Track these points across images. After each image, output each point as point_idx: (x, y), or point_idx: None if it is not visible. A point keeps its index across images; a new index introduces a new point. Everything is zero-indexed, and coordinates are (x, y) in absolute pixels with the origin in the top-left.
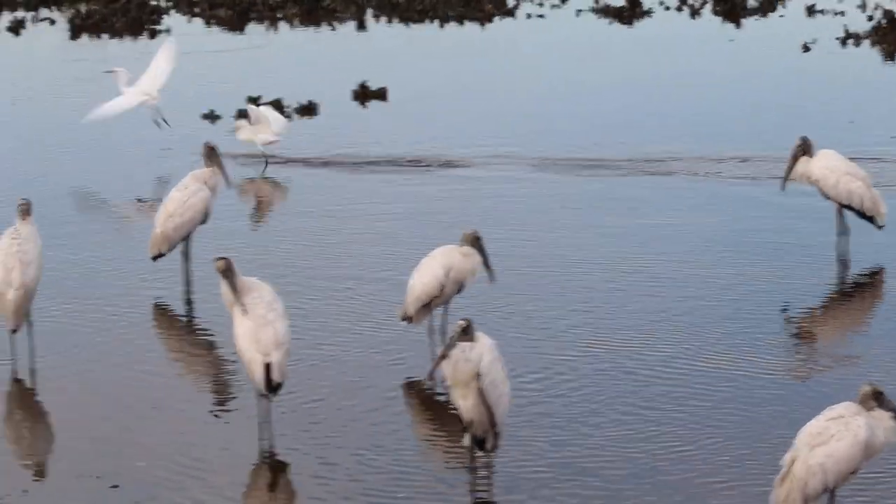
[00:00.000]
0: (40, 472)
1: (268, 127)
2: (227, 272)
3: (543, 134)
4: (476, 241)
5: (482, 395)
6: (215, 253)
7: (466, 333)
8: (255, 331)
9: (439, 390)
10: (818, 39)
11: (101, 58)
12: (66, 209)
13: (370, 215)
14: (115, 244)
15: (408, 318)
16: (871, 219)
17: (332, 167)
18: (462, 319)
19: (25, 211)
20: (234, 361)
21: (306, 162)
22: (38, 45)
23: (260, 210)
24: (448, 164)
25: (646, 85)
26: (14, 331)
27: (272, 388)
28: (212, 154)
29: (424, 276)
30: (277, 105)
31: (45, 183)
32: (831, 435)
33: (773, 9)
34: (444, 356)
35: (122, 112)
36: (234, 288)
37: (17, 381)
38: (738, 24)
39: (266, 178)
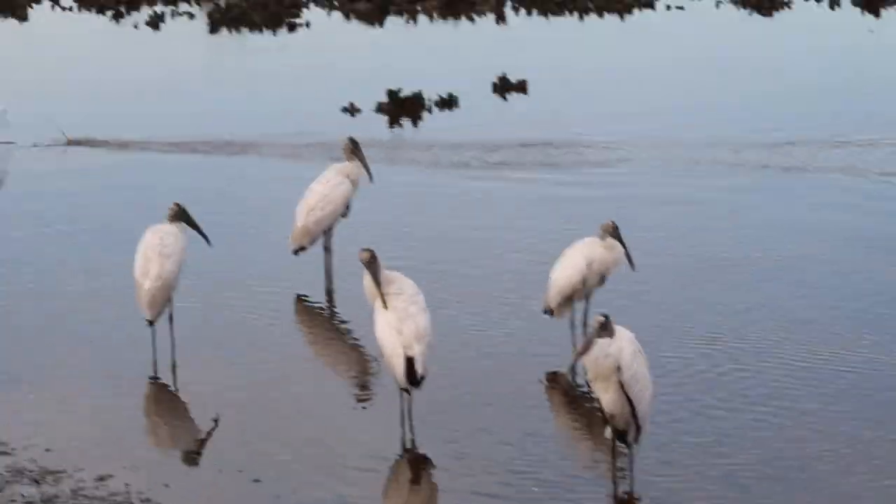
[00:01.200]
0: (182, 467)
1: None
2: (372, 263)
3: (688, 124)
4: (615, 232)
5: (623, 389)
6: (357, 246)
7: (605, 328)
8: (396, 324)
9: (580, 382)
10: None
11: (240, 51)
12: (213, 202)
13: (510, 209)
14: (256, 239)
15: (550, 311)
16: None
17: (471, 154)
18: (600, 314)
19: (174, 216)
20: (375, 355)
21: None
22: (176, 39)
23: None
24: (588, 154)
25: (787, 74)
26: (150, 322)
27: (414, 381)
28: (354, 148)
29: (567, 269)
30: (417, 98)
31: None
32: None
33: None
34: (583, 351)
35: None
36: (377, 280)
37: (159, 376)
38: (877, 15)
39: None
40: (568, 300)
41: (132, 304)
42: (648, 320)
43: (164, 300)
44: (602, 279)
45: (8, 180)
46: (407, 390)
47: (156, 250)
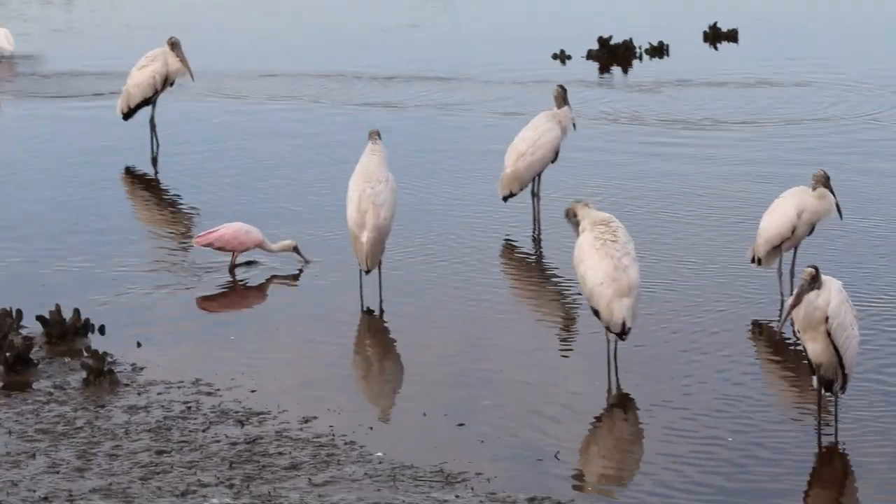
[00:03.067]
0: (386, 410)
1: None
2: (570, 215)
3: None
4: (827, 182)
5: (830, 338)
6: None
7: (815, 280)
8: (612, 273)
9: (787, 333)
10: None
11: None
12: (418, 148)
13: (721, 157)
14: (465, 184)
15: (757, 260)
16: None
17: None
18: (810, 266)
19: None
20: (581, 301)
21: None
22: None
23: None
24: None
25: None
26: (367, 271)
27: (623, 331)
28: (564, 95)
29: (777, 218)
30: (628, 46)
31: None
32: None
33: None
34: (794, 305)
35: None
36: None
37: (367, 320)
38: None
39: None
40: (776, 249)
41: (341, 247)
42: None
43: (381, 250)
44: (811, 229)
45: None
46: (618, 336)
47: (369, 199)
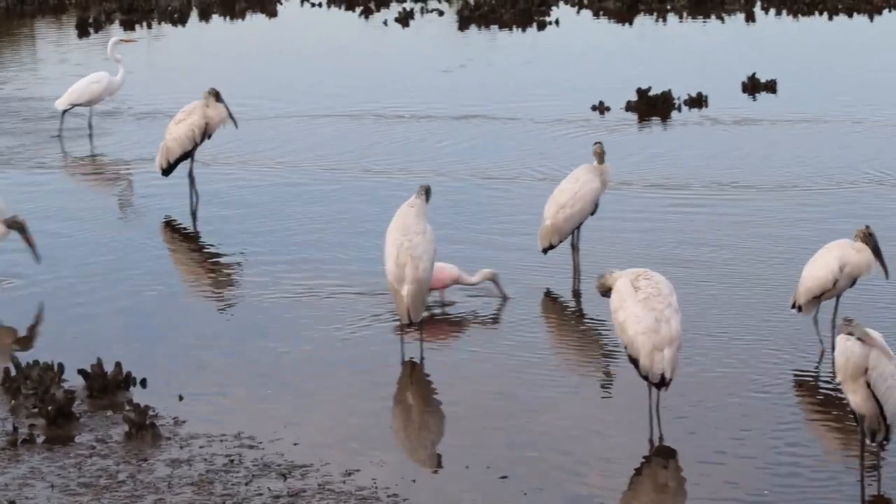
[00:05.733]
0: (429, 463)
1: None
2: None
3: None
4: (868, 238)
5: (870, 389)
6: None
7: (853, 331)
8: (653, 325)
9: (830, 381)
10: None
11: (488, 48)
12: (457, 192)
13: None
14: (505, 235)
15: (798, 307)
16: None
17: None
18: (846, 317)
19: (426, 194)
20: (621, 352)
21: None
22: (425, 36)
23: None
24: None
25: None
26: (409, 325)
27: (662, 382)
28: (602, 153)
29: (819, 270)
30: (666, 97)
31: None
32: None
33: None
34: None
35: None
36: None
37: (409, 372)
38: None
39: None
40: (816, 299)
41: (381, 297)
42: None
43: (422, 303)
44: (853, 282)
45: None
46: (657, 385)
47: (407, 252)
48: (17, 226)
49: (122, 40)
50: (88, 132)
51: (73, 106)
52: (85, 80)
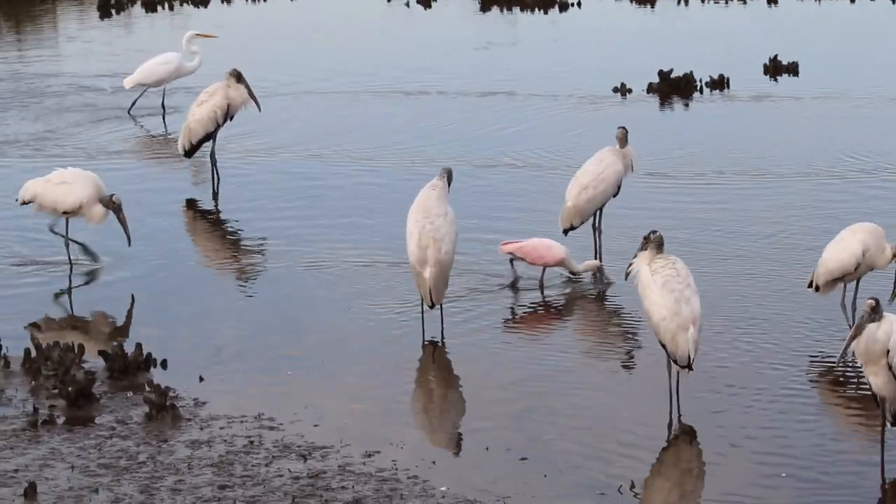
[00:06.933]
0: (449, 445)
1: None
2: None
3: None
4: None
5: (892, 372)
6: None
7: (875, 312)
8: (674, 306)
9: (850, 366)
10: None
11: (509, 30)
12: (484, 176)
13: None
14: (525, 219)
15: (815, 288)
16: None
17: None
18: (871, 299)
19: (448, 177)
20: (641, 333)
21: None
22: (446, 17)
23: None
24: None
25: None
26: (431, 307)
27: (689, 364)
28: (625, 137)
29: (841, 253)
30: (688, 79)
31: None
32: None
33: None
34: (854, 336)
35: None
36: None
37: (429, 354)
38: None
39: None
40: (836, 281)
41: (403, 278)
42: None
43: (444, 285)
44: (873, 267)
45: None
46: (687, 367)
47: (429, 234)
48: (113, 206)
49: (197, 34)
50: (162, 112)
51: (142, 86)
52: (154, 60)
